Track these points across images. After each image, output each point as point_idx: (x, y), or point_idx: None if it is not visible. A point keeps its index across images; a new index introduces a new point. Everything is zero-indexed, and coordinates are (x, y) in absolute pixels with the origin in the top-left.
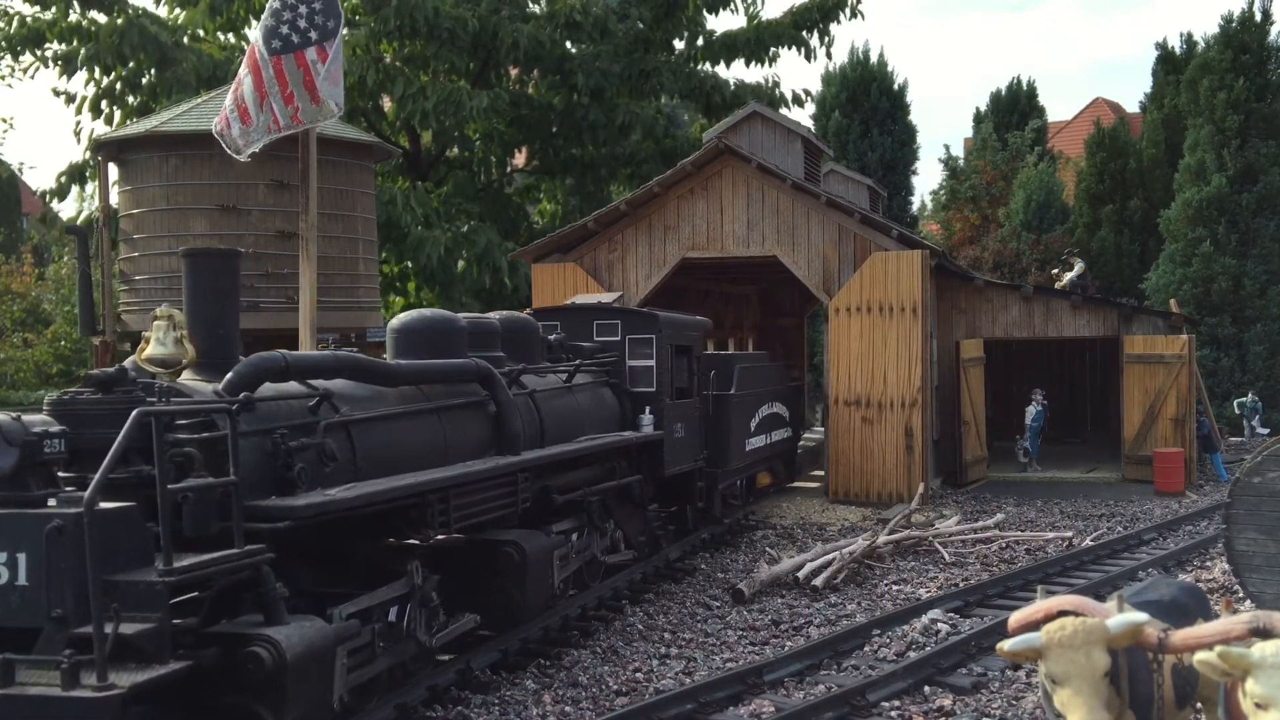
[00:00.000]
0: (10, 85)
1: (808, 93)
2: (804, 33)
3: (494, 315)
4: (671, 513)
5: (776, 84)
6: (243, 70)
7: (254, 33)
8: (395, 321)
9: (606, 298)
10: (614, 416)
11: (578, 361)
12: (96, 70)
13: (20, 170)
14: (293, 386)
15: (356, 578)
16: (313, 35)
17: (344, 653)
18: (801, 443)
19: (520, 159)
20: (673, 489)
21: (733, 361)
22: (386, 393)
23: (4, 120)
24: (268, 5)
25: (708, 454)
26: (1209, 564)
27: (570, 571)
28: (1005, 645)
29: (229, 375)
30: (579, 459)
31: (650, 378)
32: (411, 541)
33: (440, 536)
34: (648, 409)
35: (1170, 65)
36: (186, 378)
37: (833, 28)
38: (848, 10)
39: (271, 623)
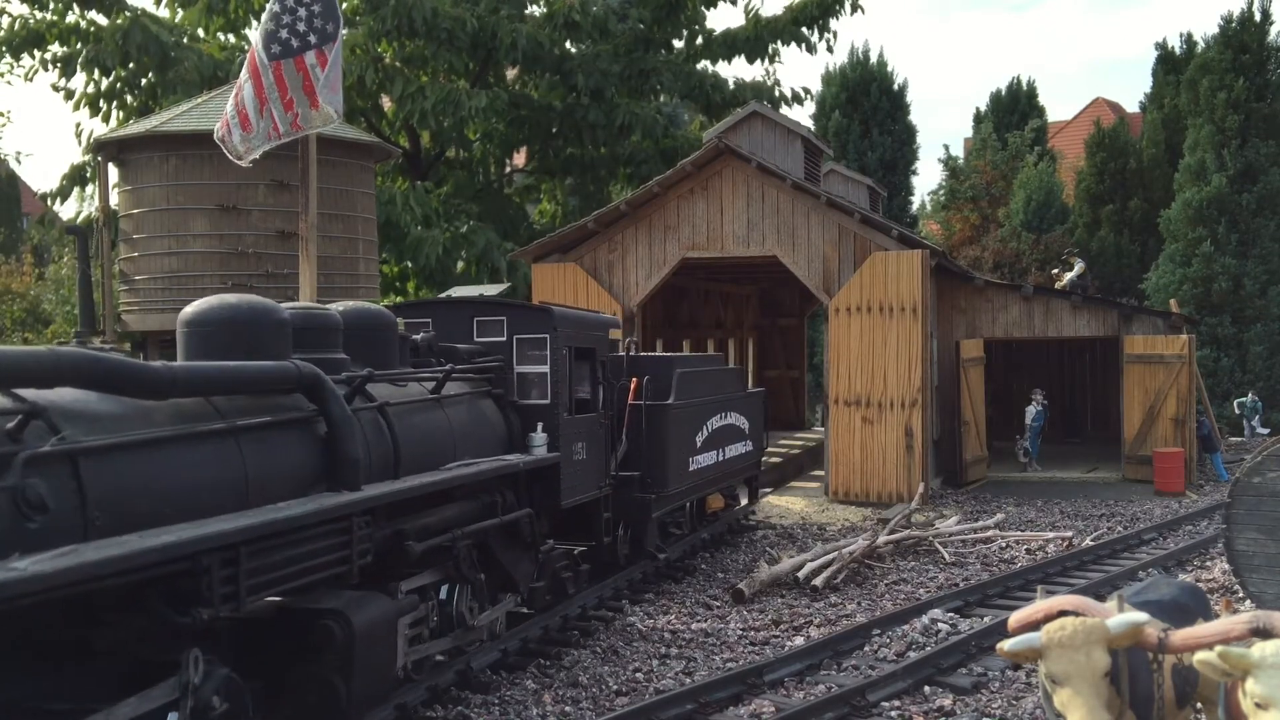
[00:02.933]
0: (10, 83)
1: (807, 91)
2: (804, 29)
3: (337, 306)
4: (590, 548)
5: (776, 82)
6: (243, 75)
7: (254, 34)
8: (187, 312)
9: (491, 289)
10: (497, 436)
11: (449, 367)
12: (96, 71)
13: (19, 159)
14: None
15: (102, 680)
16: (312, 39)
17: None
18: (799, 446)
19: (520, 159)
20: (584, 521)
21: (670, 365)
22: (151, 409)
23: (2, 115)
24: (267, 9)
25: (640, 476)
26: (1209, 564)
27: (432, 647)
28: (1005, 645)
29: None
30: (448, 492)
31: (544, 387)
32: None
33: (227, 613)
34: (540, 426)
35: (1170, 65)
36: None
37: (833, 23)
38: (848, 6)
39: None
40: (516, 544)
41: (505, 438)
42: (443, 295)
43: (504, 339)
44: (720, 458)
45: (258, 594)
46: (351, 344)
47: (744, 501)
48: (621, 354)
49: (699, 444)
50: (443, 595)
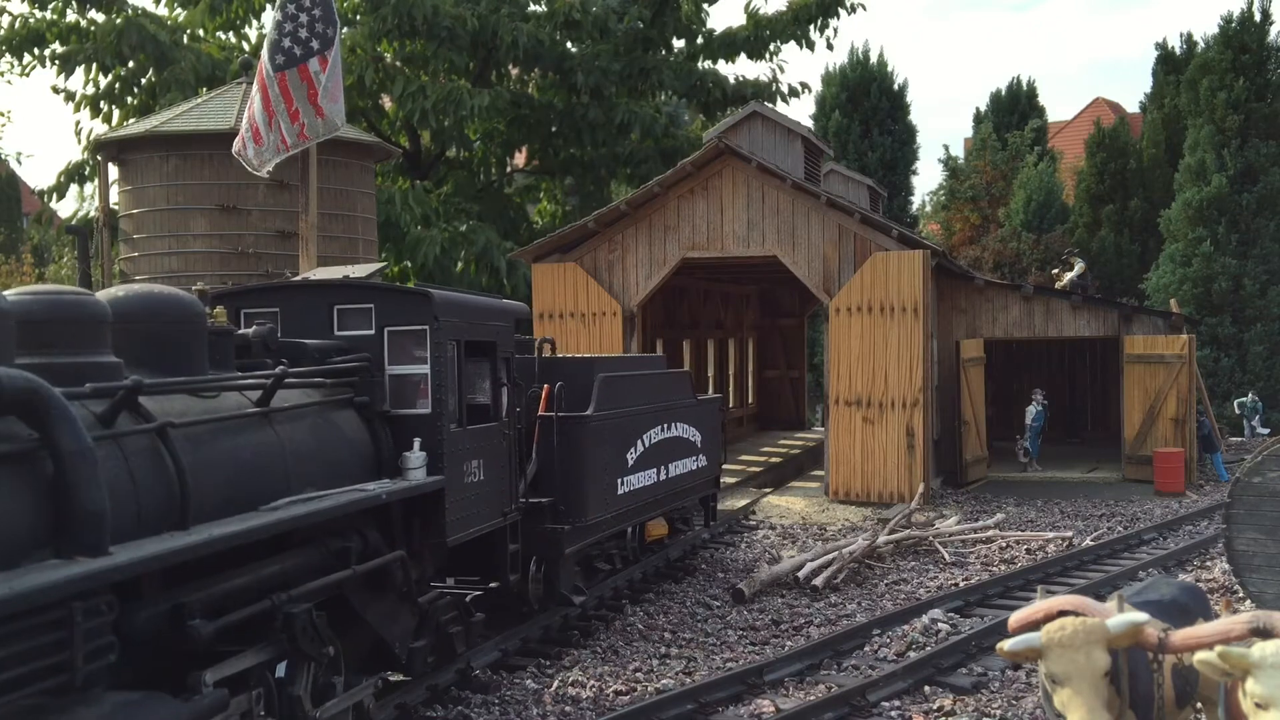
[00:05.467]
0: (10, 81)
1: (805, 85)
2: (805, 27)
3: (114, 290)
4: (497, 589)
5: (776, 80)
6: (253, 89)
7: (254, 34)
8: None
9: (361, 269)
10: (359, 457)
11: (280, 370)
12: (95, 69)
13: (19, 159)
14: None
15: None
16: (314, 45)
17: None
18: (799, 446)
19: (520, 159)
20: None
21: (590, 369)
22: None
23: (2, 114)
24: (271, 19)
25: (551, 503)
26: (1209, 564)
27: None
28: (1005, 645)
29: None
30: (283, 538)
31: (424, 393)
32: None
33: None
34: (417, 442)
35: (1170, 65)
36: None
37: (833, 22)
38: (848, 4)
39: None
40: (387, 596)
41: (372, 459)
42: (297, 278)
43: (372, 332)
44: (662, 477)
45: None
46: (129, 342)
47: (698, 526)
48: (532, 356)
49: (631, 462)
50: (281, 674)
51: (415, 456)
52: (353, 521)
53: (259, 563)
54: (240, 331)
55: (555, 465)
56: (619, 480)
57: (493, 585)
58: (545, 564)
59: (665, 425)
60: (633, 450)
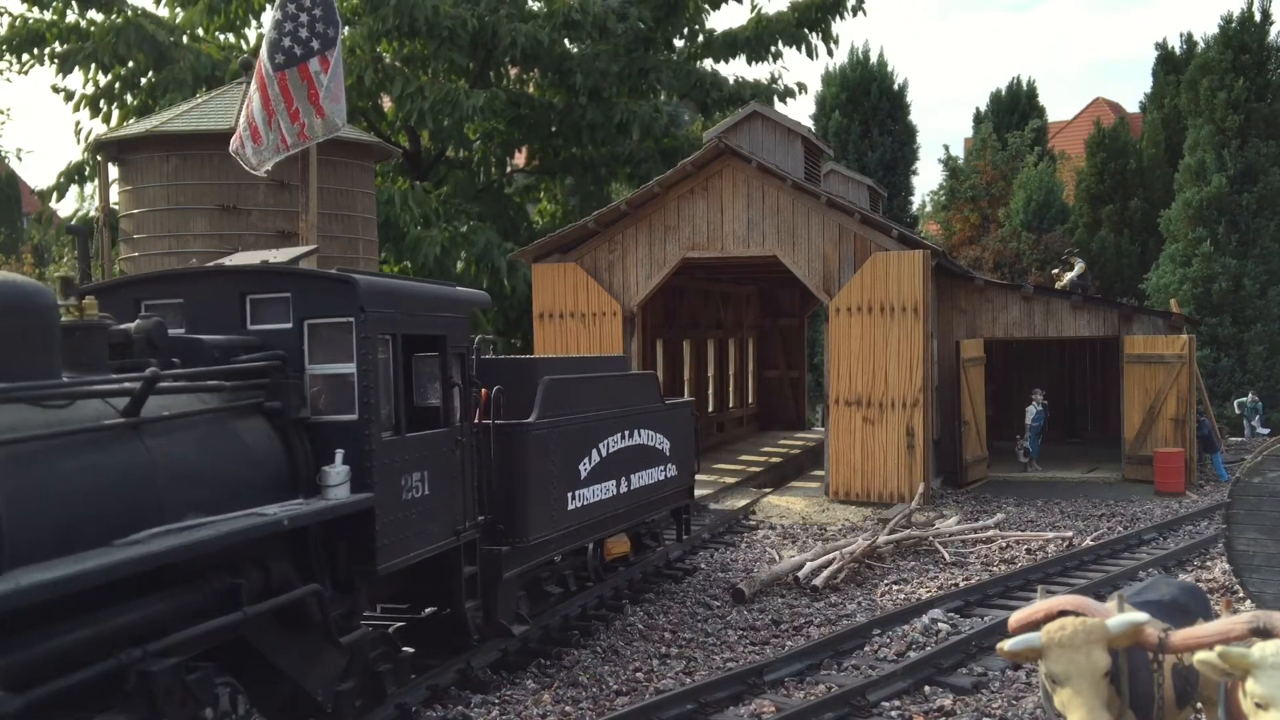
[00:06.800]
0: (9, 80)
1: (802, 86)
2: (806, 30)
3: None
4: (446, 616)
5: (776, 80)
6: (252, 88)
7: (254, 34)
8: None
9: (284, 253)
10: (266, 474)
11: (149, 372)
12: (94, 69)
13: (19, 155)
14: None
15: None
16: (315, 45)
17: None
18: (799, 446)
19: (520, 159)
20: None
21: (533, 371)
22: None
23: (2, 113)
24: (271, 18)
25: (489, 521)
26: (1209, 564)
27: None
28: (1005, 645)
29: None
30: (156, 575)
31: (349, 396)
32: None
33: None
34: (339, 454)
35: (1170, 65)
36: None
37: (835, 25)
38: (850, 7)
39: None
40: (306, 636)
41: (285, 475)
42: (210, 264)
43: (290, 325)
44: (622, 489)
45: None
46: None
47: (669, 542)
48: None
49: (585, 473)
50: None
51: (336, 471)
52: (251, 552)
53: (113, 609)
54: (119, 327)
55: (493, 479)
56: (570, 494)
57: (428, 613)
58: (483, 590)
59: (627, 432)
60: (586, 461)
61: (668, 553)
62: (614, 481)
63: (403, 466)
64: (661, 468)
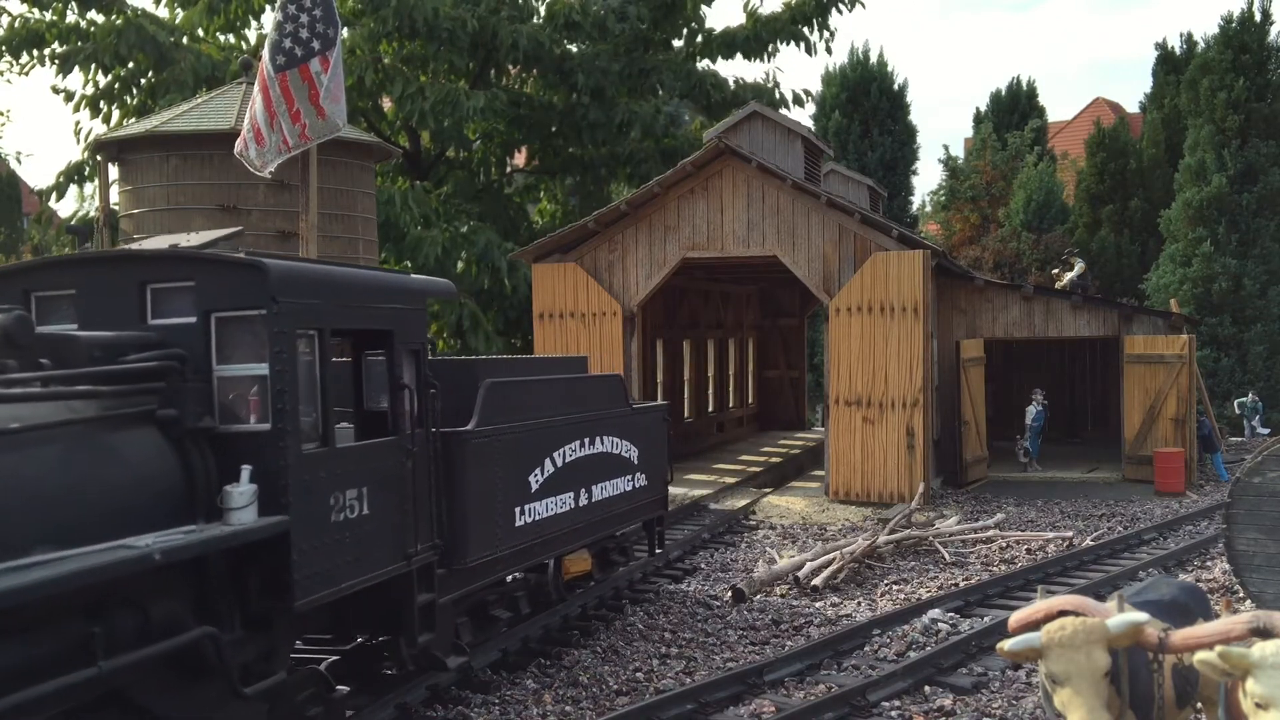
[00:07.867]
0: (10, 81)
1: (808, 93)
2: (802, 26)
3: None
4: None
5: (776, 84)
6: (255, 90)
7: (254, 35)
8: None
9: (196, 237)
10: (157, 494)
11: None
12: (94, 69)
13: (19, 158)
14: None
15: None
16: (315, 45)
17: None
18: (799, 446)
19: (520, 159)
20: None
21: (472, 373)
22: None
23: (2, 114)
24: (272, 19)
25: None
26: (1209, 564)
27: None
28: (1005, 645)
29: None
30: None
31: (260, 402)
32: None
33: None
34: (245, 471)
35: (1170, 65)
36: None
37: (832, 20)
38: (846, 2)
39: None
40: (203, 687)
41: (182, 496)
42: (114, 250)
43: (194, 319)
44: (582, 501)
45: None
46: None
47: (641, 556)
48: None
49: (536, 485)
50: None
51: (239, 492)
52: (121, 591)
53: None
54: None
55: (440, 496)
56: (518, 509)
57: (359, 642)
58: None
59: (587, 440)
60: (539, 472)
61: (632, 572)
62: (572, 494)
63: (331, 483)
64: (629, 477)
